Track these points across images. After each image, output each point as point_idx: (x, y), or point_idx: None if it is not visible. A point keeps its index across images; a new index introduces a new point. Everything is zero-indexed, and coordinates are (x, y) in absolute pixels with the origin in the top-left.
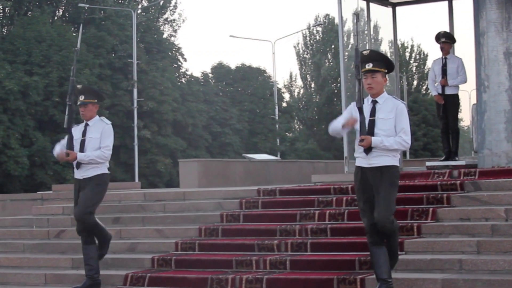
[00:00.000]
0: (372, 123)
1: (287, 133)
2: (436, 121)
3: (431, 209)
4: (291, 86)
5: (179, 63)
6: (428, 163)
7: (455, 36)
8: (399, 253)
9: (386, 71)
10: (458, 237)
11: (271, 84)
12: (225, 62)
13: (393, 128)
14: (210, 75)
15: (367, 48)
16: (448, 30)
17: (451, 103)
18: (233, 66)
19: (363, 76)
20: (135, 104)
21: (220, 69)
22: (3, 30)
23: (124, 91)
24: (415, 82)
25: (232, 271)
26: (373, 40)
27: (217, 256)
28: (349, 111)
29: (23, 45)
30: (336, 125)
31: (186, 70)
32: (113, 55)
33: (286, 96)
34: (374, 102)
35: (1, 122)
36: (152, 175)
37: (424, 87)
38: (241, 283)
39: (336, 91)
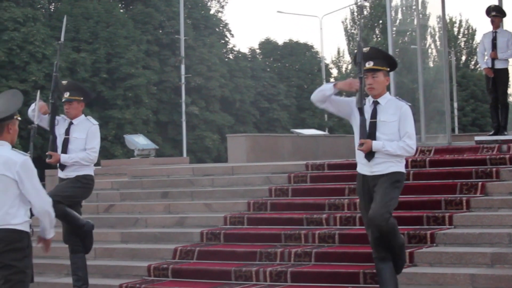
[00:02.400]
0: (373, 125)
1: None
2: (485, 97)
3: (480, 183)
4: (339, 61)
5: (227, 39)
6: (477, 138)
7: (505, 10)
8: (405, 261)
9: (388, 69)
10: (507, 211)
11: (318, 60)
12: (273, 38)
13: (396, 132)
14: (257, 51)
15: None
16: (498, 4)
17: (501, 77)
18: (280, 42)
19: (364, 75)
20: (183, 80)
21: (267, 45)
22: (50, 7)
23: (172, 67)
24: (463, 58)
25: (281, 245)
26: (421, 15)
27: (266, 230)
28: (348, 100)
29: (71, 22)
30: (326, 86)
31: (234, 46)
32: (160, 31)
33: (334, 71)
34: (376, 103)
35: (49, 99)
36: (200, 151)
37: (473, 62)
38: (290, 256)
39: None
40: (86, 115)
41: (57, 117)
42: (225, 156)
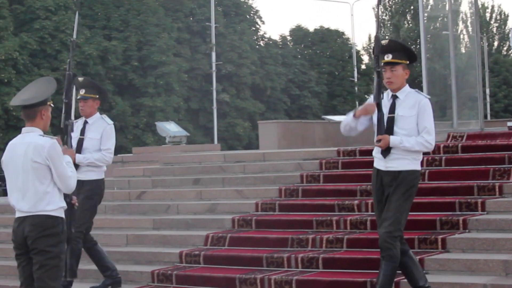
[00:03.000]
0: (391, 120)
1: (366, 96)
2: None
3: None
4: (370, 48)
5: (257, 26)
6: (509, 123)
7: None
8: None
9: (407, 62)
10: None
11: (349, 46)
12: (304, 24)
13: (415, 126)
14: (288, 37)
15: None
16: None
17: None
18: (311, 29)
19: (382, 69)
20: (214, 68)
21: (298, 32)
22: None
23: (203, 54)
24: (495, 43)
25: (313, 231)
26: (452, 1)
27: (297, 216)
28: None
29: (102, 10)
30: (347, 118)
31: (264, 33)
32: (191, 18)
33: (365, 58)
34: (394, 97)
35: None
36: (231, 138)
37: (505, 48)
38: (322, 242)
39: (415, 52)
40: (101, 113)
41: (70, 121)
42: (256, 143)
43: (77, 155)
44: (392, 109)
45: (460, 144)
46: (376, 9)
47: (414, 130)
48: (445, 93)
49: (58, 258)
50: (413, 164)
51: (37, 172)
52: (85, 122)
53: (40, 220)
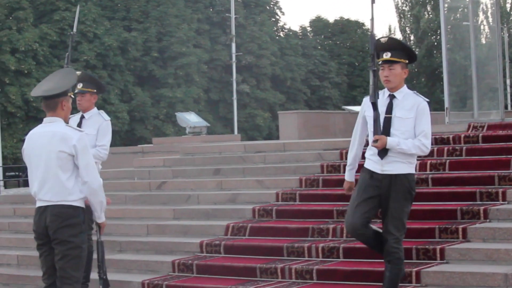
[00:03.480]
0: (388, 121)
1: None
2: None
3: None
4: None
5: (277, 17)
6: None
7: None
8: None
9: (406, 61)
10: None
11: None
12: (323, 15)
13: (412, 129)
14: (308, 28)
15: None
16: None
17: None
18: (331, 20)
19: (380, 67)
20: (234, 59)
21: (318, 23)
22: None
23: (223, 45)
24: None
25: (333, 221)
26: None
27: (318, 206)
28: (362, 111)
29: (122, 1)
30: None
31: (284, 24)
32: (211, 9)
33: None
34: (392, 97)
35: (101, 78)
36: (251, 129)
37: None
38: (342, 232)
39: (435, 43)
40: (98, 108)
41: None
42: (276, 134)
43: None
44: (389, 109)
45: (480, 134)
46: (371, 6)
47: (411, 132)
48: (465, 83)
49: (80, 248)
50: (409, 167)
51: (61, 162)
52: (82, 117)
53: (61, 210)
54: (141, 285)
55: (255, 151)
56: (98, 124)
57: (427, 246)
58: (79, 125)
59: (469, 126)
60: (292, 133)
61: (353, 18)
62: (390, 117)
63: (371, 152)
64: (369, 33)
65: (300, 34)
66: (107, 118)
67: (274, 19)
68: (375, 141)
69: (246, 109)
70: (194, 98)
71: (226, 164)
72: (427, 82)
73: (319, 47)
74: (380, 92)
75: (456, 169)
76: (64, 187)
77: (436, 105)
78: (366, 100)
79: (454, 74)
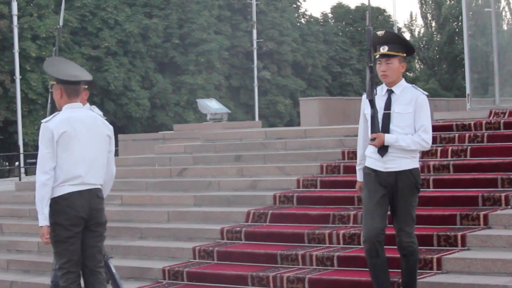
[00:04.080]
0: (386, 117)
1: (407, 73)
2: None
3: None
4: (412, 25)
5: (298, 3)
6: None
7: None
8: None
9: (404, 55)
10: None
11: (391, 24)
12: (345, 2)
13: (411, 124)
14: (329, 15)
15: None
16: None
17: None
18: (352, 6)
19: (377, 61)
20: (255, 45)
21: (339, 9)
22: None
23: (244, 32)
24: None
25: (354, 207)
26: None
27: (339, 193)
28: (362, 108)
29: None
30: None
31: (305, 11)
32: None
33: (407, 35)
34: (390, 92)
35: (122, 65)
36: (272, 116)
37: None
38: None
39: (457, 29)
40: (91, 104)
41: None
42: (297, 121)
43: None
44: (388, 105)
45: (502, 121)
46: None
47: (411, 127)
48: (487, 70)
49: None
50: (413, 162)
51: (105, 146)
52: None
53: (101, 193)
54: (161, 272)
55: (276, 138)
56: None
57: (448, 233)
58: None
59: (491, 112)
60: (313, 119)
61: (374, 5)
62: (389, 113)
63: (372, 150)
64: (366, 27)
65: (321, 20)
66: (100, 113)
67: (295, 6)
68: (373, 139)
69: (267, 95)
70: (215, 84)
71: (247, 151)
72: (448, 69)
73: (340, 34)
74: (378, 88)
75: (478, 156)
76: (103, 171)
77: (457, 91)
78: (365, 97)
79: (475, 60)
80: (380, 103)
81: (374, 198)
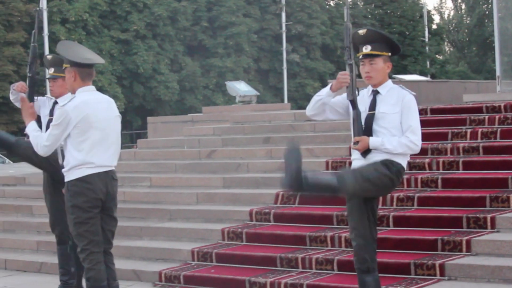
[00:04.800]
0: (370, 118)
1: (437, 56)
2: None
3: None
4: (441, 7)
5: None
6: None
7: None
8: None
9: (389, 54)
10: None
11: (420, 6)
12: None
13: (398, 125)
14: None
15: None
16: None
17: None
18: None
19: (360, 62)
20: (284, 28)
21: None
22: None
23: (272, 15)
24: None
25: None
26: None
27: None
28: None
29: None
30: (323, 91)
31: None
32: None
33: (436, 18)
34: (375, 93)
35: (151, 48)
36: (301, 98)
37: None
38: (392, 201)
39: (487, 12)
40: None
41: (41, 98)
42: None
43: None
44: (373, 105)
45: None
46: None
47: (396, 128)
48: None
49: None
50: (396, 158)
51: (118, 127)
52: (55, 103)
53: (116, 175)
54: (190, 253)
55: (305, 120)
56: None
57: (477, 215)
58: (51, 111)
59: None
60: None
61: None
62: (373, 114)
63: (355, 152)
64: (344, 23)
65: (350, 3)
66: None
67: None
68: (356, 143)
69: (296, 78)
70: (244, 67)
71: (276, 133)
72: (478, 51)
73: (369, 16)
74: (364, 90)
75: (507, 138)
76: (118, 152)
77: (487, 74)
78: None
79: (505, 43)
80: (365, 104)
81: (357, 213)
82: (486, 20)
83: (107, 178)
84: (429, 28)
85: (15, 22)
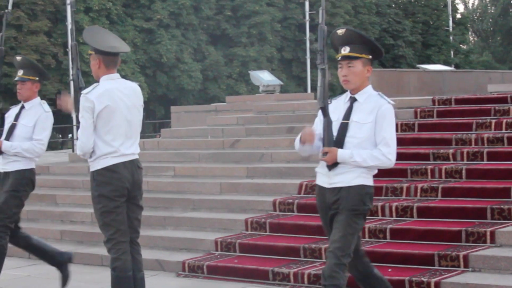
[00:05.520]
0: (343, 128)
1: (461, 45)
2: None
3: None
4: None
5: None
6: None
7: None
8: None
9: (369, 57)
10: None
11: None
12: None
13: (371, 136)
14: None
15: None
16: None
17: None
18: None
19: (338, 64)
20: (307, 17)
21: None
22: None
23: (296, 4)
24: None
25: (407, 179)
26: None
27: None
28: (319, 115)
29: None
30: (296, 145)
31: None
32: None
33: (460, 7)
34: (352, 100)
35: (174, 37)
36: None
37: None
38: (416, 191)
39: (511, 1)
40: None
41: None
42: None
43: (4, 142)
44: (348, 114)
45: None
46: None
47: (369, 140)
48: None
49: None
50: (363, 178)
51: (140, 116)
52: (22, 107)
53: (140, 163)
54: (214, 243)
55: None
56: (37, 116)
57: (502, 206)
58: (17, 115)
59: None
60: None
61: None
62: (347, 123)
63: (321, 165)
64: (319, 25)
65: None
66: (48, 110)
67: None
68: (324, 153)
69: None
70: (268, 57)
71: (299, 123)
72: (502, 41)
73: (393, 5)
74: (342, 96)
75: None
76: (138, 140)
77: (511, 64)
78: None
79: None
80: (340, 111)
81: (326, 225)
82: (511, 10)
83: (133, 167)
84: (453, 17)
85: (39, 11)
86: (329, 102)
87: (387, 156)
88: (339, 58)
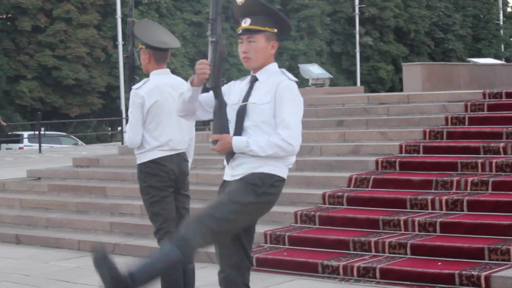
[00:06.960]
0: (242, 111)
1: (511, 39)
2: None
3: None
4: None
5: None
6: None
7: None
8: None
9: (275, 30)
10: None
11: None
12: None
13: (271, 118)
14: None
15: None
16: None
17: None
18: None
19: (238, 39)
20: (357, 11)
21: None
22: None
23: None
24: None
25: (457, 173)
26: None
27: (442, 159)
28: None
29: None
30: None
31: None
32: None
33: (511, 0)
34: (253, 80)
35: (223, 30)
36: (374, 82)
37: None
38: (466, 185)
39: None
40: None
41: None
42: (399, 87)
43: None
44: (247, 95)
45: None
46: None
47: (268, 124)
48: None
49: None
50: (271, 167)
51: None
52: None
53: (186, 156)
54: (263, 236)
55: (379, 103)
56: None
57: None
58: None
59: None
60: (416, 85)
61: None
62: (245, 105)
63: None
64: None
65: None
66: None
67: None
68: (214, 142)
69: (369, 61)
70: (317, 50)
71: (349, 116)
72: None
73: None
74: (248, 77)
75: None
76: (189, 135)
77: None
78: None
79: None
80: (239, 94)
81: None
82: None
83: (179, 160)
84: (504, 11)
85: (88, 4)
86: (223, 81)
87: (288, 140)
88: (239, 31)
